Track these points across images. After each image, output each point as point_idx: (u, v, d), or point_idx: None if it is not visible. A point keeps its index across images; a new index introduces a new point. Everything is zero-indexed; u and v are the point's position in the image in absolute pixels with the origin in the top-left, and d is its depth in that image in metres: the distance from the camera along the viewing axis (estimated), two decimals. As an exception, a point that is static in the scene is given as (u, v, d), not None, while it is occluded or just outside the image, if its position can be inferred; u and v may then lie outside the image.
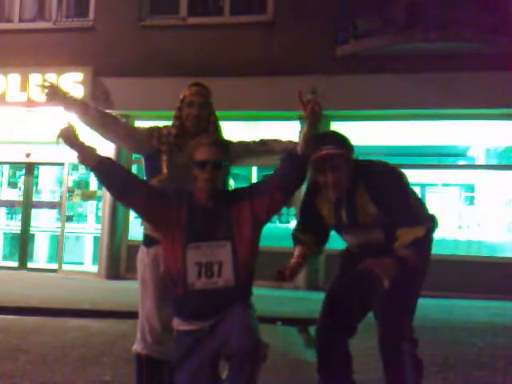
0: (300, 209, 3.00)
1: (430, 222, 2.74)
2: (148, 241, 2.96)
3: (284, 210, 9.21)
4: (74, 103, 3.00)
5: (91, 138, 2.92)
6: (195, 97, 2.97)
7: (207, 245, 2.53)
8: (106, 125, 3.01)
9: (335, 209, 2.76)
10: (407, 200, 2.68)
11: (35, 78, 9.21)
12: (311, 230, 2.90)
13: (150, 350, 2.85)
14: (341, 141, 2.71)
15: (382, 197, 2.65)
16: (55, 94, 2.97)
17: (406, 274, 2.60)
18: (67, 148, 2.66)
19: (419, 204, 2.76)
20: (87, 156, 2.63)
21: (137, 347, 2.91)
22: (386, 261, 2.52)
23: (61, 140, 2.61)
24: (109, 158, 2.75)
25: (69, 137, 2.61)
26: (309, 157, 2.59)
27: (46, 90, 2.96)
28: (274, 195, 2.59)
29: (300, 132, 2.68)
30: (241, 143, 3.05)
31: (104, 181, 2.69)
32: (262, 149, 3.04)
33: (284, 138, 3.05)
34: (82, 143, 2.64)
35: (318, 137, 2.65)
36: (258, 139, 3.09)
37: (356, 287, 2.83)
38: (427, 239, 2.75)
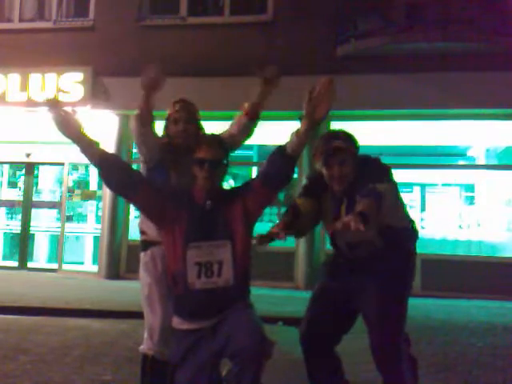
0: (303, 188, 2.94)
1: (410, 222, 2.84)
2: (144, 246, 3.02)
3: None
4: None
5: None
6: (179, 113, 3.01)
7: (207, 244, 2.54)
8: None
9: (335, 205, 2.77)
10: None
11: (35, 78, 9.23)
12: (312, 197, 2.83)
13: (156, 351, 2.88)
14: (349, 138, 2.78)
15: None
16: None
17: (396, 287, 2.70)
18: (68, 139, 2.54)
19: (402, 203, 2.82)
20: (89, 149, 2.55)
21: (144, 347, 2.92)
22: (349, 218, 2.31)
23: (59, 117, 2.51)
24: (113, 154, 2.71)
25: (70, 127, 2.52)
26: (297, 156, 2.57)
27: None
28: (261, 191, 2.59)
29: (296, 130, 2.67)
30: (225, 133, 3.10)
31: (106, 177, 2.61)
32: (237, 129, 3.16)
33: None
34: (85, 135, 2.55)
35: (329, 132, 2.71)
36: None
37: (339, 304, 2.84)
38: (411, 244, 2.84)
